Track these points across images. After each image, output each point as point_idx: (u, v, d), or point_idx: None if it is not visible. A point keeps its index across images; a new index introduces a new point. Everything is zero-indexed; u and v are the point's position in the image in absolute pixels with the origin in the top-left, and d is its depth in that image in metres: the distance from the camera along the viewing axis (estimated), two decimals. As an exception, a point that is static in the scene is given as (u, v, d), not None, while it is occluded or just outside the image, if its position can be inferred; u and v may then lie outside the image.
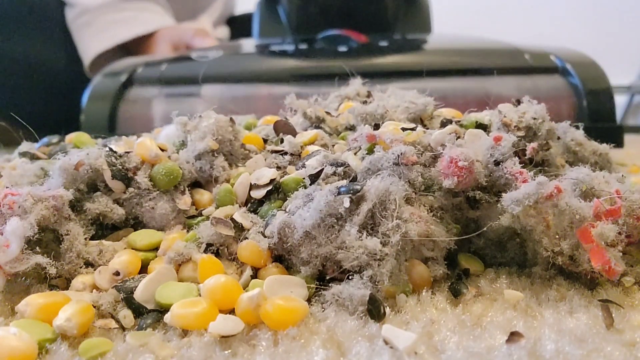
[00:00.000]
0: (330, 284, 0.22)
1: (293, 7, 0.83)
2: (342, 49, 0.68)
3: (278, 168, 0.29)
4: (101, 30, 0.83)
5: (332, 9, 0.81)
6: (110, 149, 0.28)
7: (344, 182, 0.24)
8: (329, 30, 0.73)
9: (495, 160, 0.25)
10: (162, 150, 0.28)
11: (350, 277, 0.22)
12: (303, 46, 0.74)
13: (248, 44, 0.85)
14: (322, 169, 0.26)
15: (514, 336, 0.18)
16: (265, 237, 0.24)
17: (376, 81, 0.58)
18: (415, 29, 0.85)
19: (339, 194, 0.22)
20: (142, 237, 0.26)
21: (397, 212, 0.22)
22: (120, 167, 0.27)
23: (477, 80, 0.60)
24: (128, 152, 0.28)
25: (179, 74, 0.64)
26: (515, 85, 0.60)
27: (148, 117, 0.62)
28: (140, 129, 0.58)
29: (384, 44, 0.71)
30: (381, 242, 0.21)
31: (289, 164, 0.29)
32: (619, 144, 0.55)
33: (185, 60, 0.69)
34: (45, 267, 0.22)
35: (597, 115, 0.57)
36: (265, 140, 0.33)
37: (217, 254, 0.24)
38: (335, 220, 0.22)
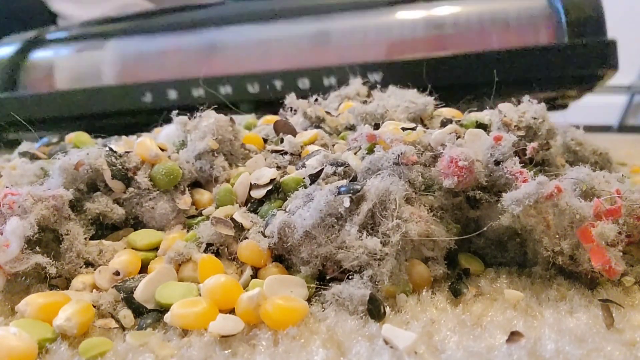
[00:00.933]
0: (330, 284, 0.22)
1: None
2: None
3: (278, 168, 0.29)
4: None
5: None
6: (110, 149, 0.28)
7: (344, 181, 0.24)
8: None
9: (495, 160, 0.24)
10: (162, 150, 0.28)
11: (350, 277, 0.22)
12: None
13: None
14: (322, 169, 0.26)
15: (514, 336, 0.18)
16: (265, 236, 0.24)
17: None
18: None
19: (339, 193, 0.22)
20: (142, 237, 0.26)
21: (397, 212, 0.22)
22: (120, 167, 0.27)
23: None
24: (128, 152, 0.28)
25: (85, 31, 0.61)
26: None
27: (50, 75, 0.58)
28: (42, 88, 0.57)
29: None
30: (381, 242, 0.21)
31: (289, 164, 0.29)
32: (611, 64, 0.47)
33: (97, 21, 0.65)
34: (45, 267, 0.22)
35: (579, 29, 0.47)
36: (265, 140, 0.33)
37: (217, 254, 0.24)
38: (336, 220, 0.22)
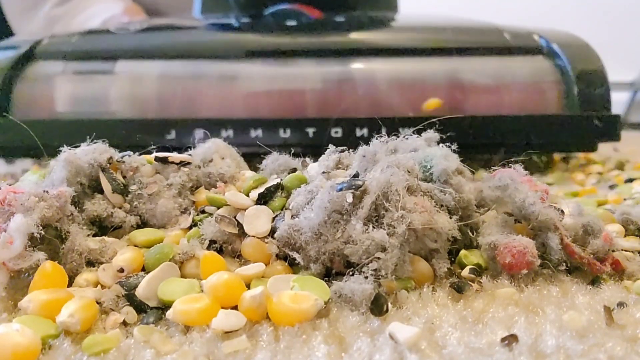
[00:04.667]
0: (332, 280, 0.22)
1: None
2: (291, 23, 0.59)
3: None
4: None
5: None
6: (107, 166, 0.28)
7: (346, 178, 0.25)
8: (280, 5, 0.64)
9: None
10: (186, 162, 0.29)
11: (352, 274, 0.22)
12: (245, 20, 0.63)
13: (181, 19, 0.71)
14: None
15: (509, 337, 0.18)
16: (273, 238, 0.24)
17: (330, 60, 0.51)
18: (380, 7, 0.74)
19: (340, 190, 0.23)
20: (144, 234, 0.26)
21: (401, 203, 0.22)
22: (119, 181, 0.27)
23: (448, 62, 0.52)
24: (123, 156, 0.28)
25: (90, 47, 0.54)
26: (493, 67, 0.52)
27: (50, 98, 0.51)
28: (40, 113, 0.50)
29: (340, 19, 0.62)
30: (387, 234, 0.22)
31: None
32: (615, 136, 0.49)
33: (101, 33, 0.59)
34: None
35: (589, 102, 0.50)
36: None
37: (220, 251, 0.25)
38: (340, 216, 0.23)
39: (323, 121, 0.48)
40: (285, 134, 0.48)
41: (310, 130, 0.48)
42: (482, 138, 0.48)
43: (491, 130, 0.48)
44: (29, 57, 0.52)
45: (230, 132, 0.48)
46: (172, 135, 0.47)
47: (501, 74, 0.52)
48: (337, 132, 0.48)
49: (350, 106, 0.50)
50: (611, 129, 0.49)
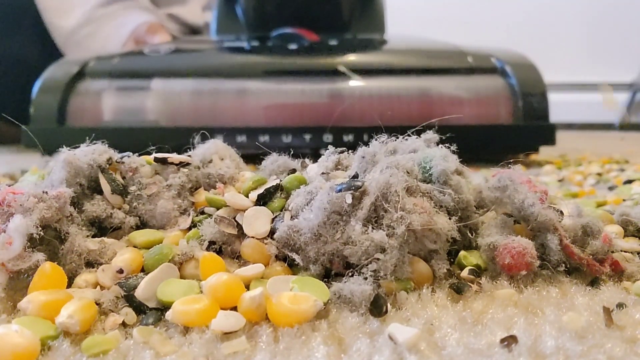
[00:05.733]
0: (332, 281, 0.22)
1: (250, 5, 0.86)
2: (293, 47, 0.71)
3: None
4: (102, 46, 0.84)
5: (289, 8, 0.84)
6: (106, 167, 0.28)
7: (346, 179, 0.25)
8: (283, 29, 0.76)
9: None
10: (186, 163, 0.29)
11: (351, 274, 0.22)
12: (254, 43, 0.76)
13: (201, 41, 0.87)
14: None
15: (509, 339, 0.18)
16: (272, 239, 0.24)
17: (321, 79, 0.64)
18: (370, 29, 0.89)
19: (340, 191, 0.23)
20: (144, 235, 0.26)
21: (400, 204, 0.22)
22: (119, 182, 0.27)
23: (420, 80, 0.64)
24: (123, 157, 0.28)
25: (129, 67, 0.66)
26: (457, 85, 0.63)
27: (98, 109, 0.63)
28: (90, 122, 0.63)
29: (333, 43, 0.74)
30: (387, 235, 0.22)
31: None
32: (550, 141, 0.61)
33: (137, 55, 0.71)
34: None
35: (532, 114, 0.61)
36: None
37: (219, 252, 0.25)
38: (340, 217, 0.23)
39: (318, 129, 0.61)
40: (287, 139, 0.61)
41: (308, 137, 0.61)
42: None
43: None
44: (80, 75, 0.65)
45: (244, 138, 0.61)
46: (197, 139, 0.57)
47: (464, 90, 0.64)
48: (328, 138, 0.61)
49: (340, 116, 0.63)
50: (548, 135, 0.62)
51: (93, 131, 0.54)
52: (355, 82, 0.64)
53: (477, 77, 0.64)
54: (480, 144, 0.61)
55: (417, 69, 0.65)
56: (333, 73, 0.65)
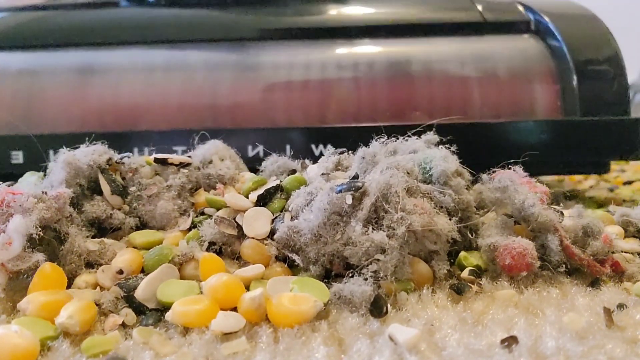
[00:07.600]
0: (332, 282, 0.22)
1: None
2: None
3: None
4: None
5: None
6: (106, 168, 0.28)
7: (346, 179, 0.25)
8: None
9: None
10: (186, 164, 0.29)
11: (352, 275, 0.22)
12: None
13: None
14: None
15: (509, 339, 0.18)
16: (272, 240, 0.24)
17: (273, 43, 0.42)
18: None
19: (340, 192, 0.23)
20: (143, 236, 0.26)
21: (401, 205, 0.22)
22: (119, 183, 0.27)
23: (391, 46, 0.41)
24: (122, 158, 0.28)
25: None
26: (459, 50, 0.38)
27: None
28: None
29: None
30: (387, 235, 0.22)
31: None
32: (635, 152, 0.36)
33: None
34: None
35: (596, 102, 0.35)
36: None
37: (219, 253, 0.25)
38: (340, 218, 0.23)
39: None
40: None
41: None
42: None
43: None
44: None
45: None
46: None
47: (472, 59, 0.39)
48: None
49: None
50: (630, 139, 0.36)
51: None
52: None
53: (495, 39, 0.39)
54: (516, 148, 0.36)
55: (381, 27, 0.41)
56: (293, 35, 0.43)
